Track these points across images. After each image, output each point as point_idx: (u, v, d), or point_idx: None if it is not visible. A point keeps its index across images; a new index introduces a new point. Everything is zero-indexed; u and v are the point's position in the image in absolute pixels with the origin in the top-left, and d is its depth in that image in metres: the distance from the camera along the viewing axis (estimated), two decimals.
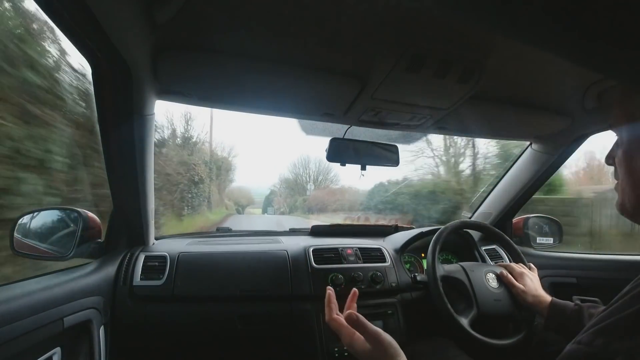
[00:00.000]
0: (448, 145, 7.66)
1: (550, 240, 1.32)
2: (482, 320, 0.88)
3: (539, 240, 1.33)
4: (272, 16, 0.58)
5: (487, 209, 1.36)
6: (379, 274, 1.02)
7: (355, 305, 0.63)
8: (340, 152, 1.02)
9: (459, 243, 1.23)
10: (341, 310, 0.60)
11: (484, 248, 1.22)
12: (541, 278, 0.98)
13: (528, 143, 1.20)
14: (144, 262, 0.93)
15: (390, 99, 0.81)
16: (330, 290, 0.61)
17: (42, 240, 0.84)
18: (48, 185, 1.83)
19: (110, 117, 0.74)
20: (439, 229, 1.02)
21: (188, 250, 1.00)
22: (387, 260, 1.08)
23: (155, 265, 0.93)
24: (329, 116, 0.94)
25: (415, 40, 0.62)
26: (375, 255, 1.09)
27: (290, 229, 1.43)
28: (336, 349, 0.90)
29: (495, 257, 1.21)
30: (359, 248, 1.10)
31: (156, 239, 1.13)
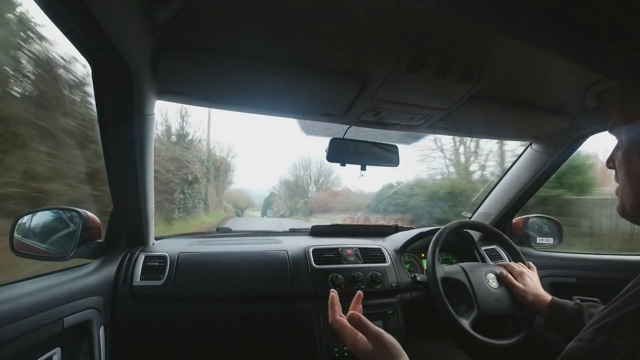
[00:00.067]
0: (466, 144, 7.20)
1: (550, 240, 1.32)
2: (482, 321, 0.88)
3: (539, 240, 1.33)
4: (272, 16, 0.58)
5: (487, 209, 1.36)
6: (379, 274, 1.02)
7: (360, 306, 0.63)
8: (340, 152, 1.03)
9: (459, 243, 1.23)
10: (343, 311, 0.61)
11: (484, 248, 1.22)
12: (541, 278, 0.98)
13: (528, 143, 1.20)
14: (144, 262, 0.93)
15: (390, 99, 0.81)
16: (333, 292, 0.62)
17: (42, 241, 0.84)
18: None
19: (110, 117, 0.74)
20: (439, 229, 1.02)
21: (188, 251, 1.00)
22: (387, 260, 1.08)
23: (155, 265, 0.93)
24: (329, 116, 0.94)
25: (415, 40, 0.62)
26: (375, 255, 1.09)
27: (290, 229, 1.43)
28: (336, 349, 0.90)
29: (495, 257, 1.21)
30: (359, 248, 1.10)
31: (156, 239, 1.13)
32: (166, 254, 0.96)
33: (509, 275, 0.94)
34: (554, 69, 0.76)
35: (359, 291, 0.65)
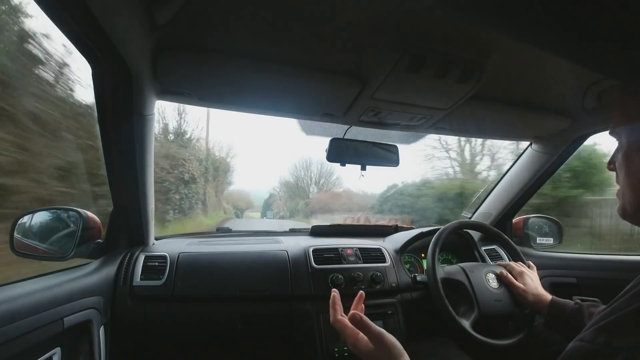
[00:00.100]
0: (471, 143, 6.91)
1: (550, 241, 1.32)
2: (482, 321, 0.88)
3: (539, 240, 1.33)
4: (272, 16, 0.58)
5: (487, 209, 1.36)
6: (379, 274, 1.02)
7: (362, 306, 0.63)
8: (340, 152, 1.03)
9: (459, 243, 1.23)
10: (344, 311, 0.61)
11: (484, 248, 1.22)
12: (541, 278, 0.98)
13: (528, 143, 1.20)
14: (144, 262, 0.93)
15: (390, 99, 0.81)
16: (335, 292, 0.62)
17: (42, 241, 0.84)
18: None
19: (110, 117, 0.74)
20: (439, 229, 1.02)
21: (188, 251, 1.00)
22: (387, 260, 1.08)
23: (155, 265, 0.93)
24: (329, 116, 0.94)
25: (415, 40, 0.62)
26: (375, 255, 1.09)
27: (290, 229, 1.43)
28: (336, 349, 0.90)
29: (495, 257, 1.21)
30: (359, 248, 1.10)
31: (156, 239, 1.13)
32: (166, 254, 0.96)
33: (509, 275, 0.94)
34: (554, 69, 0.76)
35: (361, 291, 0.65)
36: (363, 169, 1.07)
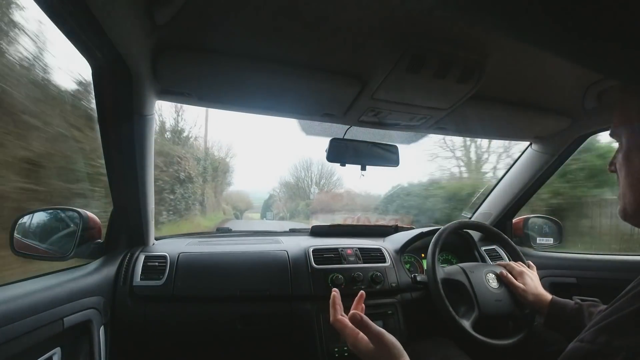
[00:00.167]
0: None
1: (550, 241, 1.32)
2: (483, 321, 0.88)
3: (539, 240, 1.33)
4: (272, 16, 0.58)
5: (487, 209, 1.36)
6: (379, 274, 1.02)
7: (362, 306, 0.63)
8: (340, 152, 1.03)
9: (459, 243, 1.23)
10: (344, 311, 0.61)
11: (484, 248, 1.22)
12: (541, 278, 0.99)
13: (528, 143, 1.21)
14: (144, 262, 0.93)
15: (390, 99, 0.81)
16: (335, 292, 0.62)
17: (42, 241, 0.84)
18: None
19: (110, 117, 0.74)
20: (439, 229, 1.02)
21: (188, 251, 1.00)
22: (387, 260, 1.08)
23: (155, 265, 0.93)
24: (329, 116, 0.94)
25: (415, 41, 0.62)
26: (375, 255, 1.09)
27: (290, 229, 1.43)
28: (336, 349, 0.90)
29: (495, 257, 1.21)
30: (359, 248, 1.10)
31: (156, 239, 1.13)
32: (166, 254, 0.96)
33: (509, 275, 0.94)
34: (554, 69, 0.76)
35: (362, 291, 0.65)
36: (363, 169, 1.07)
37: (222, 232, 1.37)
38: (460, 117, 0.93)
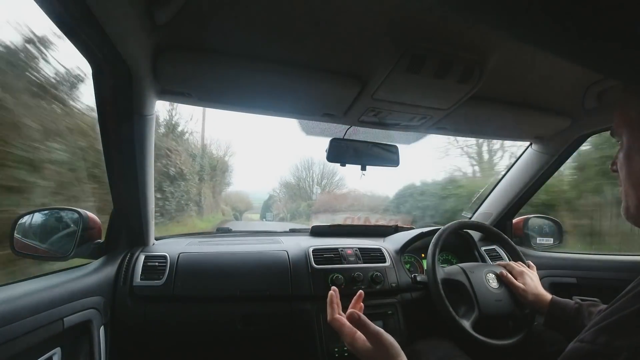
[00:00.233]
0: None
1: (550, 241, 1.32)
2: (483, 321, 0.88)
3: (539, 240, 1.33)
4: (272, 16, 0.58)
5: (487, 209, 1.36)
6: (379, 274, 1.02)
7: (361, 305, 0.63)
8: (340, 152, 1.03)
9: (459, 243, 1.23)
10: (343, 310, 0.60)
11: (483, 248, 1.22)
12: (541, 278, 0.99)
13: (528, 143, 1.20)
14: (144, 262, 0.93)
15: (390, 99, 0.81)
16: (332, 291, 0.61)
17: (42, 241, 0.84)
18: None
19: (110, 117, 0.74)
20: (439, 229, 1.02)
21: (188, 251, 1.00)
22: (387, 260, 1.08)
23: (155, 265, 0.93)
24: (329, 116, 0.94)
25: (415, 41, 0.62)
26: (375, 255, 1.09)
27: (290, 229, 1.44)
28: (336, 349, 0.90)
29: (495, 257, 1.21)
30: (359, 248, 1.10)
31: (156, 239, 1.13)
32: (166, 254, 0.96)
33: (509, 275, 0.94)
34: (554, 69, 0.76)
35: (360, 290, 0.65)
36: (363, 169, 1.07)
37: (222, 232, 1.37)
38: (460, 117, 0.93)
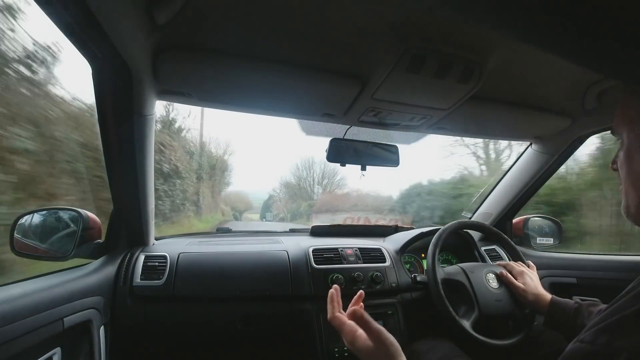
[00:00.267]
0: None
1: (551, 241, 1.32)
2: (483, 321, 0.88)
3: (539, 240, 1.33)
4: (272, 16, 0.58)
5: (487, 209, 1.36)
6: (379, 274, 1.02)
7: (362, 305, 0.63)
8: (340, 152, 1.03)
9: (459, 243, 1.23)
10: (343, 310, 0.60)
11: (484, 248, 1.22)
12: (541, 278, 0.99)
13: (528, 143, 1.20)
14: (144, 262, 0.93)
15: (390, 100, 0.81)
16: (334, 289, 0.61)
17: (42, 241, 0.84)
18: None
19: (110, 117, 0.74)
20: (439, 229, 1.02)
21: (188, 251, 1.00)
22: (387, 260, 1.08)
23: (155, 265, 0.93)
24: (329, 116, 0.94)
25: (415, 41, 0.62)
26: (375, 255, 1.09)
27: (290, 229, 1.44)
28: (336, 349, 0.90)
29: (495, 257, 1.21)
30: (359, 248, 1.10)
31: (156, 239, 1.13)
32: (166, 254, 0.96)
33: (509, 275, 0.94)
34: (554, 69, 0.76)
35: (361, 290, 0.65)
36: (363, 169, 1.07)
37: (222, 232, 1.37)
38: (460, 117, 0.93)
